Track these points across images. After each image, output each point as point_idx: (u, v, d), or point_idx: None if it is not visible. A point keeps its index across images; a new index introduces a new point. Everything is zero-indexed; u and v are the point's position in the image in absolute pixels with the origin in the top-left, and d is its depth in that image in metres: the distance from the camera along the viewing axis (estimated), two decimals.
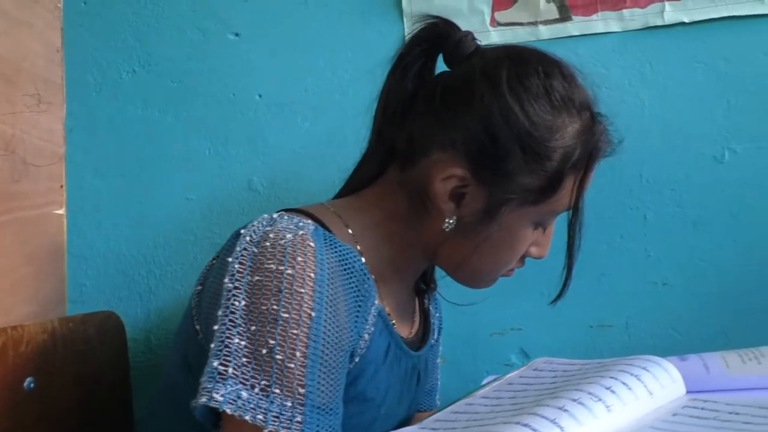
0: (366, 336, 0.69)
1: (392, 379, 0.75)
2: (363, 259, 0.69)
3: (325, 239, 0.67)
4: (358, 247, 0.74)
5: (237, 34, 1.12)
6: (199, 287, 0.72)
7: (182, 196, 1.13)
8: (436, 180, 0.72)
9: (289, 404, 0.59)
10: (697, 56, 1.03)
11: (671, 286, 1.04)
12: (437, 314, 0.94)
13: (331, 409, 0.63)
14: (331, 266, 0.65)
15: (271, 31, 1.12)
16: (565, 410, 0.55)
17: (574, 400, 0.57)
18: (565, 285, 0.76)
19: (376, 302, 0.71)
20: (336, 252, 0.67)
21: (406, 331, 0.82)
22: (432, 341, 0.94)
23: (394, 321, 0.77)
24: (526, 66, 0.72)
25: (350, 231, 0.75)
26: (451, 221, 0.72)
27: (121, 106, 1.15)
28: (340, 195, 0.84)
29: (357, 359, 0.69)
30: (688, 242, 1.03)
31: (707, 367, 0.69)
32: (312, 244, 0.65)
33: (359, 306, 0.68)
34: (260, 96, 1.11)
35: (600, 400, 0.57)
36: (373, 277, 0.74)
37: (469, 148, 0.71)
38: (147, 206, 1.13)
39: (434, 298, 0.96)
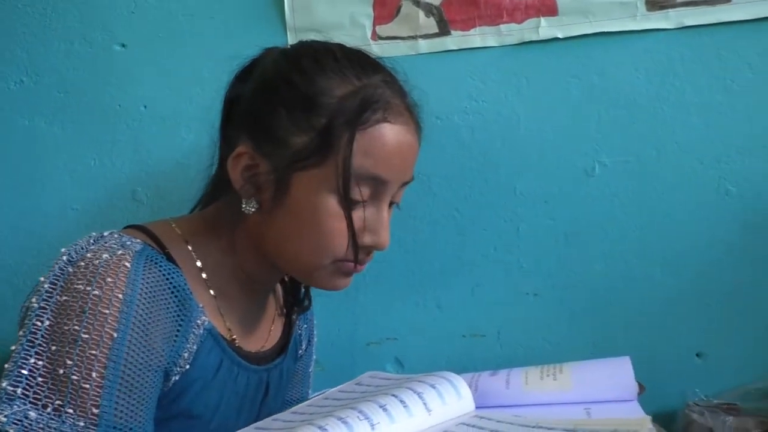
0: (186, 355, 0.66)
1: (226, 395, 0.72)
2: (186, 279, 0.67)
3: (148, 259, 0.65)
4: (198, 264, 0.72)
5: (123, 46, 1.08)
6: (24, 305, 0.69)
7: (67, 207, 1.10)
8: (229, 164, 0.71)
9: (82, 424, 0.57)
10: (571, 71, 1.01)
11: (542, 297, 1.01)
12: (305, 326, 0.91)
13: (131, 428, 0.60)
14: (147, 287, 0.63)
15: (157, 42, 1.08)
16: (324, 429, 0.53)
17: (340, 419, 0.54)
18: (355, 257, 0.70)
19: (205, 320, 0.68)
20: (158, 272, 0.65)
21: (256, 344, 0.79)
22: (300, 352, 0.90)
23: (235, 336, 0.74)
24: (302, 45, 0.74)
25: (190, 248, 0.72)
26: (251, 204, 0.70)
27: (8, 116, 1.11)
28: (192, 210, 0.82)
29: (176, 377, 0.66)
30: (559, 254, 1.01)
31: (508, 382, 0.68)
32: (128, 264, 0.63)
33: (179, 326, 0.65)
34: (145, 107, 1.08)
35: (366, 418, 0.55)
36: (213, 293, 0.72)
37: (247, 123, 0.71)
38: (32, 216, 1.09)
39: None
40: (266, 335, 0.83)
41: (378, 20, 1.07)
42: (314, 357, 0.98)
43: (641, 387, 0.69)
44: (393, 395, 0.59)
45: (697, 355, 1.00)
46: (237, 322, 0.77)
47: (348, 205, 0.68)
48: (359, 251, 0.72)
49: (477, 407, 0.63)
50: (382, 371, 1.02)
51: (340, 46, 0.74)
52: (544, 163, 1.02)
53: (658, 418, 0.98)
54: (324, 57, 0.71)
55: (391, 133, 0.70)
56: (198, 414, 0.69)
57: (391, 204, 0.76)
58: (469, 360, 1.02)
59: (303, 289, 0.88)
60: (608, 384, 0.65)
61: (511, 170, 1.02)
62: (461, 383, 0.63)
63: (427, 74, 1.04)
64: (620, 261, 1.00)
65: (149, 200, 1.08)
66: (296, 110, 0.68)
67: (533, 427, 0.55)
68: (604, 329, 1.00)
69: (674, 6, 1.01)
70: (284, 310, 0.88)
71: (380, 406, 0.57)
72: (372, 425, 0.54)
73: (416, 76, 1.03)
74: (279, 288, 0.90)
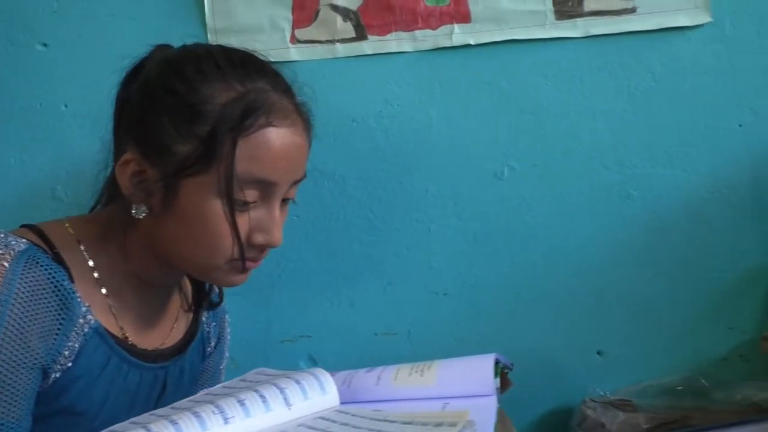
0: (66, 353, 0.66)
1: (114, 392, 0.72)
2: (70, 278, 0.67)
3: (30, 259, 0.65)
4: (90, 263, 0.71)
5: (45, 45, 1.06)
6: None
7: None
8: (117, 171, 0.71)
9: None
10: (482, 77, 1.01)
11: (451, 296, 1.02)
12: (214, 323, 0.90)
13: (4, 424, 0.61)
14: (25, 286, 0.63)
15: (79, 42, 1.06)
16: (174, 422, 0.54)
17: (195, 413, 0.55)
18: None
19: (91, 319, 0.68)
20: (39, 272, 0.65)
21: (154, 342, 0.78)
22: (209, 350, 0.89)
23: (128, 335, 0.74)
24: (185, 51, 0.74)
25: (83, 247, 0.72)
26: (141, 209, 0.70)
27: None
28: (91, 210, 0.81)
29: (57, 375, 0.66)
30: (468, 254, 1.02)
31: (379, 378, 0.67)
32: (6, 264, 0.63)
33: (60, 324, 0.65)
34: (66, 106, 1.06)
35: (221, 413, 0.56)
36: (104, 292, 0.71)
37: (133, 129, 0.71)
38: None
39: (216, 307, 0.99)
40: (167, 333, 0.82)
41: (297, 24, 1.07)
42: (227, 354, 0.98)
43: (506, 383, 0.72)
44: (255, 390, 0.59)
45: (598, 352, 1.01)
46: (132, 320, 0.76)
47: (232, 209, 0.69)
48: (252, 249, 0.73)
49: (350, 402, 0.64)
50: (295, 368, 1.06)
51: (224, 51, 0.74)
52: (455, 166, 1.02)
53: (558, 413, 1.01)
54: (206, 64, 0.71)
55: (276, 136, 0.70)
56: (82, 410, 0.69)
57: (286, 200, 0.76)
58: (381, 358, 1.01)
59: (209, 286, 0.87)
60: (467, 380, 0.66)
61: (424, 172, 1.02)
62: (327, 379, 0.63)
63: (345, 78, 1.05)
64: (527, 261, 1.02)
65: (69, 199, 1.06)
66: (179, 119, 0.69)
67: (380, 420, 0.56)
68: (510, 327, 1.01)
69: (582, 15, 1.03)
70: (192, 307, 0.90)
71: (238, 401, 0.57)
72: (225, 419, 0.55)
73: (334, 80, 1.07)
74: (188, 285, 0.91)
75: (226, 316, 0.97)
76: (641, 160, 1.00)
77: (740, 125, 0.99)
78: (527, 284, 1.02)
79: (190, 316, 0.88)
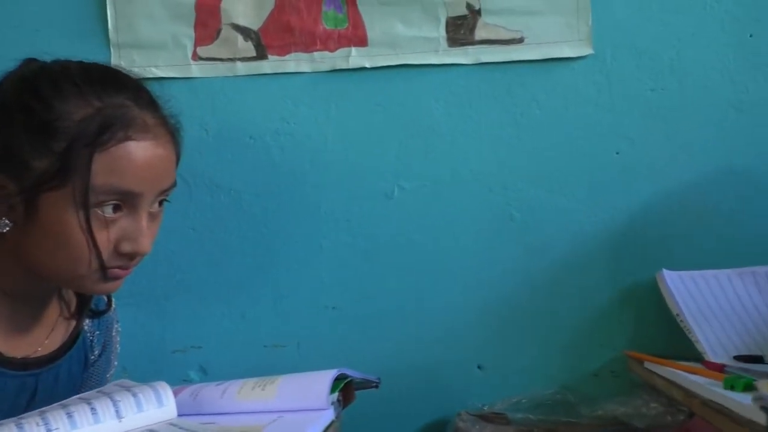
0: None
1: None
2: None
3: None
4: None
5: None
6: None
7: None
8: None
9: None
10: (376, 99, 1.03)
11: (340, 309, 1.03)
12: (98, 332, 0.89)
13: None
14: None
15: None
16: None
17: (18, 425, 0.56)
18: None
19: None
20: None
21: (26, 350, 0.78)
22: (93, 358, 0.88)
23: None
24: (42, 68, 0.74)
25: None
26: (3, 222, 0.70)
27: None
28: None
29: None
30: (357, 270, 1.03)
31: (224, 392, 0.69)
32: None
33: None
34: None
35: (45, 424, 0.57)
36: None
37: None
38: None
39: (103, 316, 0.99)
40: (41, 341, 0.81)
41: (199, 41, 1.08)
42: (115, 363, 0.98)
43: (349, 398, 0.74)
44: (87, 401, 0.60)
45: (479, 367, 1.04)
46: (3, 330, 0.78)
47: (88, 222, 0.69)
48: (121, 258, 0.74)
49: (195, 414, 0.67)
50: (186, 378, 1.08)
51: (82, 67, 0.75)
52: (348, 185, 1.04)
53: (436, 425, 1.05)
54: (62, 81, 0.71)
55: (136, 150, 0.71)
56: None
57: (158, 211, 0.78)
58: (270, 369, 1.00)
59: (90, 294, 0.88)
60: (303, 395, 0.68)
61: (318, 190, 1.04)
62: (166, 392, 0.64)
63: (244, 95, 1.06)
64: (413, 278, 1.04)
65: None
66: (36, 136, 0.69)
67: None
68: (395, 341, 1.03)
69: (473, 43, 1.06)
70: (74, 315, 0.91)
71: (67, 413, 0.57)
72: (49, 431, 0.56)
73: (233, 97, 1.08)
74: (71, 292, 0.92)
75: (116, 325, 0.98)
76: (524, 184, 1.04)
77: (617, 153, 1.04)
78: (413, 300, 1.04)
79: (72, 323, 0.89)
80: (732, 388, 0.71)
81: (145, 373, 1.05)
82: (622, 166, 1.04)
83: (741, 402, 0.66)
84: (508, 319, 1.04)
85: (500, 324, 1.04)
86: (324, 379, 0.67)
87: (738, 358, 0.87)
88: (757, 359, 0.87)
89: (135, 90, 0.76)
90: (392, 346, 1.04)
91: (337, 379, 0.72)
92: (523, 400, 0.98)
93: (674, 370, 0.83)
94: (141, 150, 0.73)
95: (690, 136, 1.04)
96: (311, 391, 0.66)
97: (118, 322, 0.97)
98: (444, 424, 1.00)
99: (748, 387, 0.71)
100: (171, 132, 0.79)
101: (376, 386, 0.84)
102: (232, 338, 1.04)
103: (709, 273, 1.01)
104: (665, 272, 0.99)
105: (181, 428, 0.59)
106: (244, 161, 1.05)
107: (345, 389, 0.73)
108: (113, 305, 0.94)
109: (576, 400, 0.96)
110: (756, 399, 0.63)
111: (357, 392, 0.86)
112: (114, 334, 0.97)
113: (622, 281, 1.03)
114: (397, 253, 1.04)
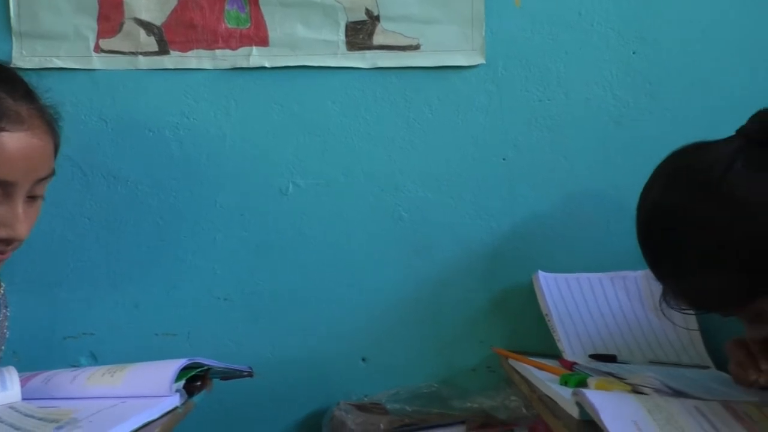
0: None
1: None
2: None
3: None
4: None
5: None
6: None
7: None
8: None
9: None
10: (275, 98, 1.05)
11: (232, 301, 1.05)
12: None
13: None
14: None
15: None
16: None
17: None
18: None
19: None
20: None
21: None
22: None
23: None
24: None
25: None
26: None
27: None
28: None
29: None
30: (250, 263, 1.05)
31: (75, 377, 0.71)
32: None
33: None
34: None
35: None
36: None
37: None
38: None
39: None
40: None
41: (102, 34, 1.08)
42: (2, 348, 1.01)
43: (202, 386, 0.78)
44: None
45: (363, 359, 1.07)
46: None
47: None
48: None
49: (45, 398, 0.69)
50: (76, 364, 1.09)
51: None
52: (244, 180, 1.05)
53: (316, 415, 1.08)
54: None
55: (9, 140, 0.73)
56: None
57: (36, 198, 0.80)
58: (160, 357, 1.01)
59: None
60: (147, 382, 0.71)
61: (214, 184, 1.05)
62: (12, 376, 0.67)
63: (145, 89, 1.06)
64: (304, 272, 1.06)
65: None
66: None
67: (25, 414, 0.62)
68: (284, 333, 1.05)
69: (371, 48, 1.09)
70: None
71: None
72: None
73: (134, 90, 1.09)
74: None
75: (5, 310, 0.99)
76: (414, 185, 1.07)
77: (504, 159, 1.08)
78: (302, 294, 1.06)
79: None
80: (566, 384, 0.76)
81: (36, 359, 1.06)
82: (507, 172, 1.07)
83: (564, 396, 0.71)
84: (393, 314, 1.06)
85: (385, 319, 1.06)
86: (170, 367, 0.70)
87: (593, 356, 0.93)
88: (610, 358, 0.92)
89: (10, 82, 0.77)
90: (281, 337, 1.06)
91: (190, 368, 0.75)
92: (402, 392, 1.02)
93: (525, 365, 0.88)
94: (15, 141, 0.75)
95: (573, 146, 1.08)
96: (155, 378, 0.69)
97: (7, 307, 0.98)
98: (323, 412, 1.03)
99: (581, 383, 0.76)
100: (48, 122, 0.80)
101: (249, 375, 0.87)
102: (124, 326, 1.05)
103: (582, 276, 1.06)
104: (540, 274, 1.04)
105: (17, 411, 0.61)
106: (142, 153, 1.06)
107: (202, 377, 0.76)
108: (2, 290, 0.96)
109: (450, 393, 1.00)
110: (574, 394, 0.68)
111: (231, 381, 0.89)
112: (1, 318, 0.98)
113: (503, 281, 1.07)
114: (290, 248, 1.06)
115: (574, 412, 0.67)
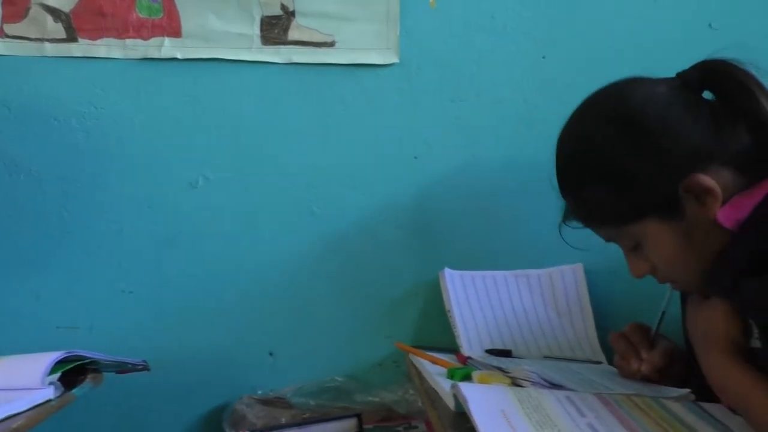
0: None
1: None
2: None
3: None
4: None
5: None
6: None
7: None
8: None
9: None
10: (187, 90, 1.04)
11: (137, 294, 1.04)
12: None
13: None
14: None
15: None
16: None
17: None
18: None
19: None
20: None
21: None
22: None
23: None
24: None
25: None
26: None
27: None
28: None
29: None
30: (157, 256, 1.04)
31: None
32: None
33: None
34: None
35: None
36: None
37: None
38: None
39: None
40: None
41: (6, 19, 1.04)
42: None
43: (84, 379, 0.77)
44: None
45: (270, 353, 1.07)
46: None
47: None
48: None
49: None
50: None
51: None
52: (152, 172, 1.04)
53: (220, 410, 1.05)
54: None
55: None
56: None
57: None
58: (61, 350, 1.06)
59: None
60: (19, 374, 0.70)
61: (121, 175, 1.03)
62: None
63: (51, 77, 1.03)
64: (212, 266, 1.05)
65: None
66: None
67: None
68: (191, 327, 1.04)
69: (286, 43, 1.08)
70: None
71: None
72: None
73: (40, 78, 1.04)
74: None
75: None
76: (327, 181, 1.07)
77: (415, 157, 1.09)
78: (210, 287, 1.05)
79: None
80: (452, 377, 0.78)
81: None
82: (419, 170, 1.08)
83: (445, 389, 0.73)
84: (303, 309, 1.07)
85: (294, 313, 1.06)
86: (44, 360, 0.69)
87: (489, 351, 0.95)
88: (506, 353, 0.95)
89: None
90: (187, 331, 1.04)
91: (70, 361, 0.74)
92: (307, 386, 1.03)
93: (420, 359, 0.90)
94: None
95: (483, 146, 1.09)
96: (27, 371, 0.68)
97: None
98: (226, 407, 1.02)
99: (466, 377, 0.78)
100: None
101: (144, 369, 0.86)
102: (25, 318, 1.02)
103: (488, 274, 1.08)
104: (446, 271, 1.06)
105: None
106: (46, 142, 1.03)
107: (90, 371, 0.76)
108: None
109: (354, 388, 1.01)
110: (452, 387, 0.70)
111: (128, 375, 0.89)
112: None
113: (411, 277, 1.08)
114: (198, 242, 1.05)
115: (451, 404, 0.69)
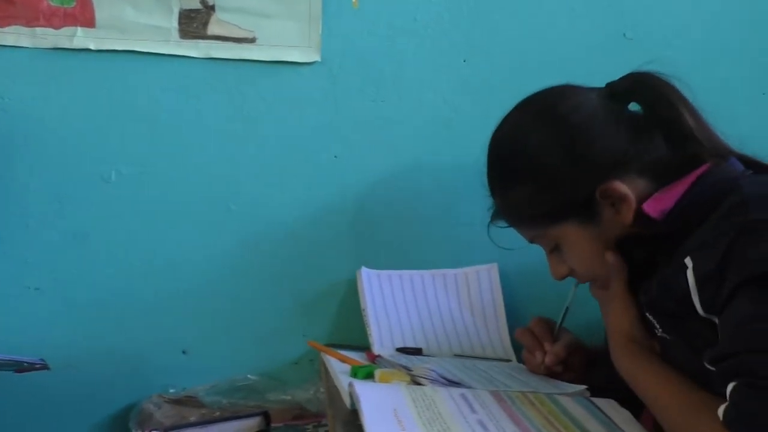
0: None
1: None
2: None
3: None
4: None
5: None
6: None
7: None
8: None
9: None
10: (100, 82, 1.01)
11: (43, 291, 1.01)
12: None
13: None
14: None
15: None
16: None
17: None
18: None
19: None
20: None
21: None
22: None
23: None
24: None
25: None
26: None
27: None
28: None
29: None
30: (66, 252, 1.01)
31: None
32: None
33: None
34: None
35: None
36: None
37: None
38: None
39: None
40: None
41: None
42: None
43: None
44: None
45: (184, 352, 1.06)
46: None
47: None
48: None
49: None
50: None
51: None
52: (63, 165, 1.01)
53: (128, 409, 1.04)
54: None
55: None
56: None
57: None
58: None
59: None
60: None
61: (29, 169, 1.00)
62: None
63: None
64: (125, 263, 1.03)
65: None
66: None
67: None
68: (101, 325, 1.02)
69: (205, 38, 1.06)
70: None
71: None
72: None
73: None
74: None
75: None
76: (246, 178, 1.06)
77: (336, 156, 1.09)
78: (122, 284, 1.03)
79: None
80: (355, 375, 0.79)
81: None
82: (340, 169, 1.08)
83: (344, 387, 0.74)
84: (218, 306, 1.05)
85: (210, 311, 1.05)
86: None
87: (400, 349, 0.96)
88: (416, 351, 0.96)
89: None
90: (97, 330, 1.02)
91: None
92: (220, 385, 1.02)
93: (329, 357, 0.90)
94: None
95: (403, 146, 1.10)
96: None
97: None
98: (134, 405, 1.01)
99: (369, 375, 0.79)
100: None
101: (43, 368, 0.84)
102: None
103: (405, 273, 1.09)
104: (363, 270, 1.06)
105: None
106: None
107: None
108: None
109: (267, 386, 1.01)
110: (349, 385, 0.71)
111: (26, 374, 0.86)
112: None
113: (330, 276, 1.07)
114: (110, 238, 1.02)
115: (348, 402, 0.69)
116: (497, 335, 1.02)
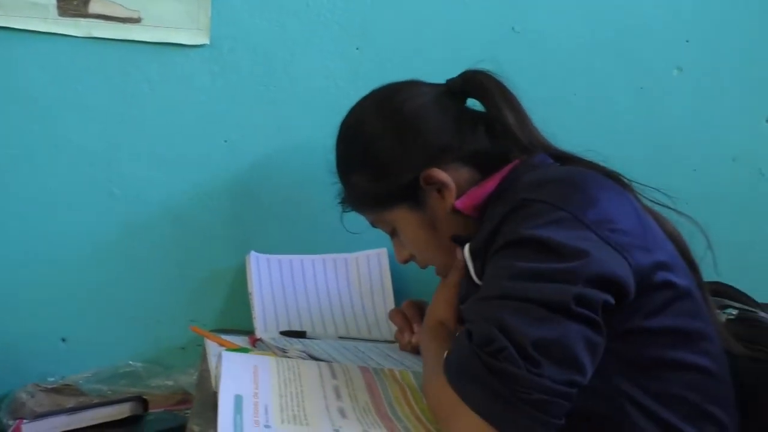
0: None
1: None
2: None
3: None
4: None
5: None
6: None
7: None
8: None
9: None
10: None
11: None
12: None
13: None
14: None
15: None
16: None
17: None
18: None
19: None
20: None
21: None
22: None
23: None
24: None
25: None
26: None
27: None
28: None
29: None
30: None
31: None
32: None
33: None
34: None
35: None
36: None
37: None
38: None
39: None
40: None
41: None
42: None
43: None
44: None
45: (63, 339, 1.03)
46: None
47: None
48: None
49: None
50: None
51: None
52: None
53: (3, 398, 1.03)
54: None
55: None
56: None
57: None
58: None
59: None
60: None
61: None
62: None
63: None
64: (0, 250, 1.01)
65: None
66: None
67: None
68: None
69: (86, 16, 1.02)
70: None
71: None
72: None
73: None
74: None
75: None
76: (129, 162, 1.03)
77: (226, 141, 1.08)
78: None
79: None
80: None
81: None
82: (230, 154, 1.07)
83: (212, 368, 0.74)
84: (100, 293, 1.03)
85: (91, 298, 1.03)
86: None
87: (283, 333, 0.97)
88: (300, 334, 0.98)
89: None
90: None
91: None
92: (101, 372, 1.00)
93: (210, 342, 0.90)
94: None
95: (295, 132, 1.09)
96: None
97: None
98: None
99: None
100: None
101: None
102: None
103: (296, 258, 1.09)
104: (252, 254, 1.05)
105: None
106: None
107: None
108: None
109: (150, 372, 1.00)
110: (217, 357, 0.71)
111: None
112: None
113: (218, 261, 1.07)
114: None
115: (214, 384, 0.70)
116: (384, 318, 1.04)
